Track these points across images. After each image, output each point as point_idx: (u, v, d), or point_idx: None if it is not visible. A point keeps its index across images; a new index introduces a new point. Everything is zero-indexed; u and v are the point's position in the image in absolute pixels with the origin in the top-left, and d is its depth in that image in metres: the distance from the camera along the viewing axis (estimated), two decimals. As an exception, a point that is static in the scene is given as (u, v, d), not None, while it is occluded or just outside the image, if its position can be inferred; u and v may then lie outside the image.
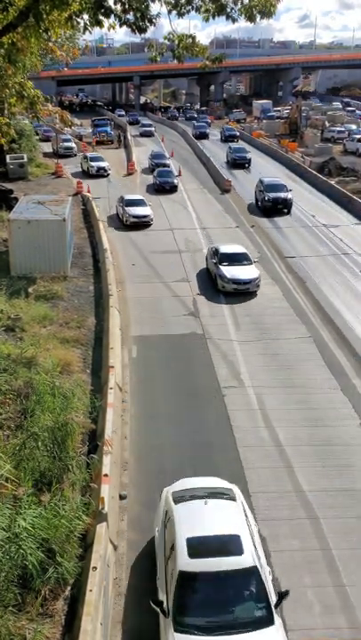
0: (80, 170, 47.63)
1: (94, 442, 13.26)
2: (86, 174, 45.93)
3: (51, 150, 57.71)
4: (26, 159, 43.47)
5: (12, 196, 32.29)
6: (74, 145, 57.83)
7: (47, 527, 9.81)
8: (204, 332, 20.02)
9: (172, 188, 40.60)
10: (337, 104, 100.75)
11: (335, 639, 9.41)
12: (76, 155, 54.50)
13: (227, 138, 65.96)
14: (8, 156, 42.81)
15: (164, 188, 40.20)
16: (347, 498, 12.37)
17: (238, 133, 68.05)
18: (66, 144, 57.45)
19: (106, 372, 15.62)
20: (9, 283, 21.74)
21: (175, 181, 40.91)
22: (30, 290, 21.65)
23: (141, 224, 32.03)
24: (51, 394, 13.66)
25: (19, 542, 9.24)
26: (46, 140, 63.95)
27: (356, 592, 10.20)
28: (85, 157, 48.13)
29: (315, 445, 14.03)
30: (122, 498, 12.20)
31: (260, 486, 12.65)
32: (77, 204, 35.35)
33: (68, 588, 9.66)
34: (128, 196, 34.36)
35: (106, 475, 11.10)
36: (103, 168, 46.28)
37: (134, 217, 31.96)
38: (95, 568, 8.94)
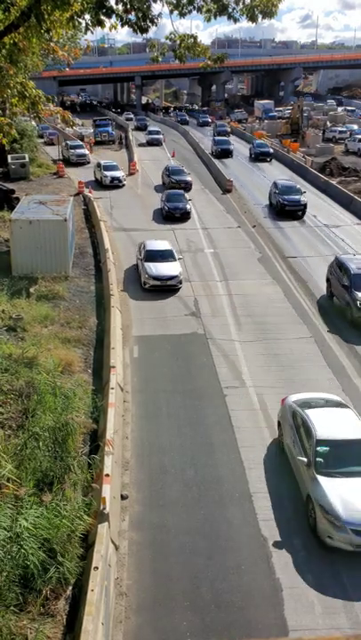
0: (94, 179, 43.73)
1: (96, 442, 13.26)
2: (100, 184, 42.25)
3: (59, 157, 50.74)
4: (27, 159, 43.46)
5: (14, 195, 32.28)
6: (87, 152, 52.77)
7: (48, 527, 9.81)
8: (205, 332, 20.03)
9: (184, 215, 33.40)
10: (331, 102, 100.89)
11: (337, 634, 9.42)
12: (89, 162, 49.94)
13: (257, 156, 53.39)
14: (10, 156, 42.81)
15: (173, 215, 33.27)
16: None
17: (272, 150, 54.86)
18: (79, 151, 51.81)
19: (107, 371, 15.62)
20: (10, 283, 21.75)
21: (188, 207, 33.70)
22: (32, 290, 21.66)
23: (167, 289, 23.42)
24: (52, 394, 13.67)
25: (20, 542, 9.25)
26: (51, 143, 60.60)
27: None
28: (99, 165, 43.70)
29: (316, 445, 13.99)
30: (123, 498, 12.21)
31: (262, 486, 12.63)
32: (79, 203, 35.37)
33: (70, 587, 9.66)
34: (150, 246, 24.98)
35: (107, 475, 11.11)
36: (118, 178, 41.83)
37: (156, 278, 23.41)
38: (96, 568, 8.95)
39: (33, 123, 64.21)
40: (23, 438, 12.15)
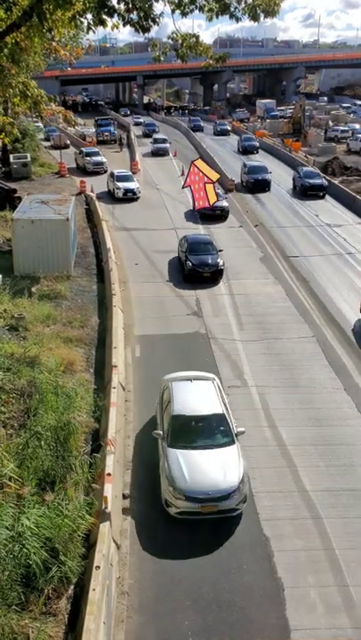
0: (107, 190, 39.52)
1: (97, 441, 13.26)
2: (112, 196, 38.23)
3: (61, 159, 47.54)
4: (29, 159, 43.48)
5: (16, 195, 32.30)
6: (104, 159, 47.63)
7: (50, 526, 9.83)
8: (207, 331, 20.03)
9: (215, 275, 24.31)
10: (323, 99, 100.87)
11: (341, 639, 9.42)
12: (107, 171, 44.47)
13: (305, 191, 39.57)
14: (12, 156, 42.85)
15: (200, 274, 24.07)
16: (350, 497, 12.36)
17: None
18: (95, 159, 46.93)
19: (109, 371, 15.62)
20: (12, 282, 21.75)
21: (220, 262, 24.53)
22: (34, 289, 21.67)
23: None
24: (54, 393, 13.68)
25: (22, 541, 9.27)
26: (59, 147, 55.32)
27: (360, 592, 10.19)
28: (112, 176, 39.27)
29: (318, 445, 14.01)
30: (125, 497, 12.21)
31: (264, 486, 12.66)
32: (81, 203, 35.37)
33: (72, 587, 9.67)
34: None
35: (109, 474, 11.11)
36: (132, 190, 37.62)
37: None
38: (98, 567, 8.95)
39: (40, 124, 64.34)
40: (25, 437, 12.16)
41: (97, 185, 40.36)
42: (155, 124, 76.42)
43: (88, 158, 47.25)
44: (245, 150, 56.77)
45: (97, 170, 45.94)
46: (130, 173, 40.21)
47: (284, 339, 19.46)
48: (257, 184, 40.72)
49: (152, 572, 10.64)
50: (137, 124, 79.82)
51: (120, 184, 37.81)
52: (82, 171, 46.50)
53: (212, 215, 32.70)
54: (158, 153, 55.21)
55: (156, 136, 60.91)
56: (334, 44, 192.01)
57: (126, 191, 37.49)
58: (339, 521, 11.71)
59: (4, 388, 14.10)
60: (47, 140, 62.88)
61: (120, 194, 37.47)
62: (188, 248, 25.01)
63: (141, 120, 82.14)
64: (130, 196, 37.53)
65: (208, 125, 79.95)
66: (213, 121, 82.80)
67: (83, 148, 50.65)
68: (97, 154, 48.31)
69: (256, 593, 10.16)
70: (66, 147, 57.26)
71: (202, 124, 78.48)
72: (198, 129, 74.62)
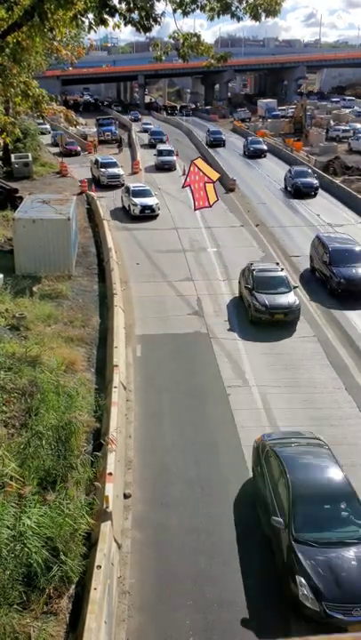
0: (121, 206, 35.48)
1: (98, 441, 13.27)
2: (127, 213, 34.03)
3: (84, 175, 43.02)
4: (30, 158, 43.48)
5: (17, 195, 32.31)
6: (122, 171, 42.30)
7: (52, 526, 9.84)
8: (208, 330, 20.02)
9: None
10: (313, 98, 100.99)
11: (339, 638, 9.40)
12: (123, 184, 39.75)
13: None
14: (13, 155, 42.85)
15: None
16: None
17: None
18: (111, 170, 41.43)
19: (110, 370, 15.63)
20: (14, 282, 21.76)
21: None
22: (35, 289, 21.68)
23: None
24: (55, 392, 13.70)
25: (23, 541, 9.28)
26: (69, 154, 52.94)
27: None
28: (127, 190, 34.76)
29: (319, 445, 13.99)
30: (126, 497, 12.22)
31: (265, 485, 12.64)
32: (82, 203, 35.38)
33: (73, 586, 9.67)
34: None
35: (110, 473, 11.12)
36: (150, 207, 33.17)
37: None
38: (99, 567, 8.96)
39: (47, 126, 63.93)
40: (26, 437, 12.17)
41: (111, 199, 37.43)
42: (162, 132, 65.02)
43: (103, 170, 41.85)
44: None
45: (113, 183, 40.81)
46: (147, 188, 35.55)
47: (286, 338, 19.44)
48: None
49: (153, 571, 10.65)
50: (145, 130, 70.86)
51: (137, 200, 33.40)
52: (97, 184, 41.61)
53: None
54: (163, 167, 47.83)
55: (161, 147, 52.19)
56: (336, 44, 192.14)
57: (144, 208, 33.11)
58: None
59: (5, 388, 14.11)
60: (55, 144, 58.10)
61: (137, 211, 33.02)
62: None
63: (150, 126, 73.23)
64: (148, 214, 33.09)
65: (231, 137, 68.50)
66: (244, 135, 67.61)
67: (98, 157, 45.16)
68: (113, 164, 42.94)
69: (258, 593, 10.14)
70: (76, 154, 54.43)
71: (224, 136, 62.14)
72: (219, 143, 60.26)
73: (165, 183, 43.07)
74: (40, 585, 9.26)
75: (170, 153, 49.54)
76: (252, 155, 53.22)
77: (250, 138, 41.71)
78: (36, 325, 18.70)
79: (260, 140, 57.50)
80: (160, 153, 49.46)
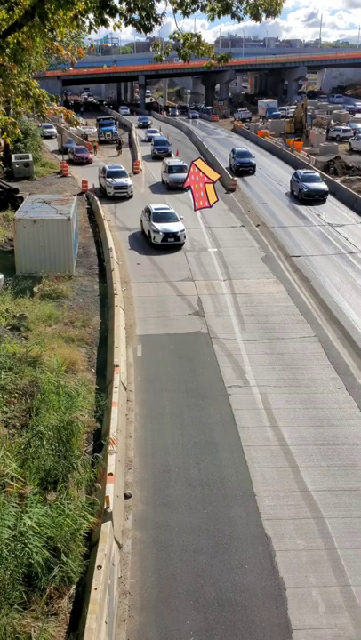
0: (140, 231, 30.75)
1: (99, 441, 13.28)
2: (145, 239, 29.24)
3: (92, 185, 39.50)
4: (31, 158, 43.51)
5: (18, 195, 32.34)
6: (130, 181, 38.80)
7: (52, 526, 9.84)
8: (208, 331, 20.03)
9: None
10: (298, 97, 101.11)
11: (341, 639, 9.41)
12: (131, 195, 37.51)
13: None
14: (13, 156, 42.88)
15: None
16: (352, 497, 12.35)
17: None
18: (118, 180, 37.79)
19: (111, 370, 15.64)
20: (14, 282, 21.79)
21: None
22: (35, 289, 21.69)
23: None
24: (56, 393, 13.70)
25: (24, 541, 9.28)
26: (81, 161, 49.29)
27: (362, 592, 10.16)
28: (148, 211, 29.54)
29: (320, 445, 14.01)
30: (127, 497, 12.23)
31: (265, 485, 12.65)
32: (82, 203, 35.39)
33: (73, 586, 9.68)
34: None
35: (111, 474, 11.13)
36: (175, 234, 27.73)
37: None
38: (100, 567, 8.96)
39: (53, 130, 63.26)
40: (27, 437, 12.18)
41: (119, 211, 33.58)
42: (167, 141, 56.77)
43: (110, 179, 38.06)
44: (307, 198, 37.60)
45: (120, 194, 37.25)
46: (172, 210, 29.92)
47: (286, 338, 19.45)
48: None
49: (154, 571, 10.65)
50: (147, 141, 61.82)
51: (159, 225, 27.53)
52: (103, 194, 37.97)
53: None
54: (177, 187, 38.38)
55: (170, 162, 42.54)
56: (336, 44, 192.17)
57: (167, 235, 27.53)
58: (341, 521, 11.71)
59: (6, 388, 14.12)
60: (64, 152, 52.29)
61: (158, 239, 27.27)
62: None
63: (156, 135, 63.30)
64: (172, 242, 27.56)
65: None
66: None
67: (105, 166, 40.85)
68: (122, 174, 38.91)
69: (258, 592, 10.17)
70: (88, 161, 50.36)
71: (253, 160, 47.75)
72: (247, 168, 46.56)
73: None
74: (41, 585, 9.27)
75: (181, 169, 40.13)
76: (308, 198, 37.30)
77: (301, 172, 36.15)
78: (37, 325, 18.71)
79: (316, 175, 40.03)
80: (170, 169, 41.19)
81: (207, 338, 19.56)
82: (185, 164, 40.75)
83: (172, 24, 12.85)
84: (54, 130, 65.60)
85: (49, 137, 63.81)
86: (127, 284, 24.01)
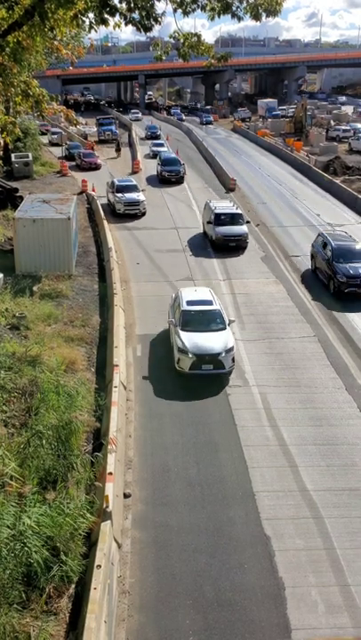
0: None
1: (99, 440, 13.28)
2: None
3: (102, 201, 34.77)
4: (31, 158, 43.50)
5: (17, 194, 32.33)
6: (142, 197, 33.97)
7: (52, 525, 9.84)
8: (208, 330, 19.98)
9: None
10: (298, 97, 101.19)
11: (341, 638, 9.41)
12: (144, 213, 33.36)
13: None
14: (13, 155, 42.88)
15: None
16: (351, 497, 12.35)
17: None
18: (128, 196, 33.14)
19: (110, 370, 15.63)
20: (14, 281, 21.78)
21: None
22: (35, 288, 21.68)
23: None
24: (55, 392, 13.71)
25: (24, 540, 9.28)
26: (89, 167, 46.00)
27: (361, 591, 10.16)
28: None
29: (319, 445, 14.01)
30: (126, 496, 12.22)
31: (265, 485, 12.65)
32: (82, 202, 35.37)
33: (73, 585, 9.68)
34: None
35: (110, 473, 11.13)
36: (208, 302, 18.59)
37: None
38: (99, 566, 8.95)
39: (56, 135, 61.95)
40: (27, 436, 12.18)
41: (128, 234, 29.75)
42: (178, 160, 45.22)
43: (119, 195, 33.35)
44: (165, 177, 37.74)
45: (130, 212, 32.83)
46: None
47: (286, 338, 19.44)
48: None
49: (153, 570, 10.65)
50: (154, 156, 50.40)
51: (186, 297, 18.71)
52: (112, 212, 33.34)
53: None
54: (228, 247, 28.04)
55: (217, 208, 29.55)
56: (336, 44, 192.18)
57: (190, 304, 18.40)
58: (340, 520, 11.71)
59: (5, 387, 14.12)
60: (70, 157, 50.04)
61: (184, 304, 18.22)
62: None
63: (163, 149, 53.53)
64: (204, 310, 18.34)
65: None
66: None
67: (115, 180, 35.88)
68: (133, 188, 34.25)
69: (258, 592, 10.17)
70: (97, 167, 47.21)
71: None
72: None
73: (166, 183, 42.99)
74: (40, 584, 9.27)
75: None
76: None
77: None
78: (37, 325, 18.70)
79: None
80: (218, 220, 28.68)
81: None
82: (238, 209, 30.67)
83: (171, 23, 12.79)
84: (56, 135, 60.19)
85: (56, 144, 57.15)
86: (127, 283, 24.00)
